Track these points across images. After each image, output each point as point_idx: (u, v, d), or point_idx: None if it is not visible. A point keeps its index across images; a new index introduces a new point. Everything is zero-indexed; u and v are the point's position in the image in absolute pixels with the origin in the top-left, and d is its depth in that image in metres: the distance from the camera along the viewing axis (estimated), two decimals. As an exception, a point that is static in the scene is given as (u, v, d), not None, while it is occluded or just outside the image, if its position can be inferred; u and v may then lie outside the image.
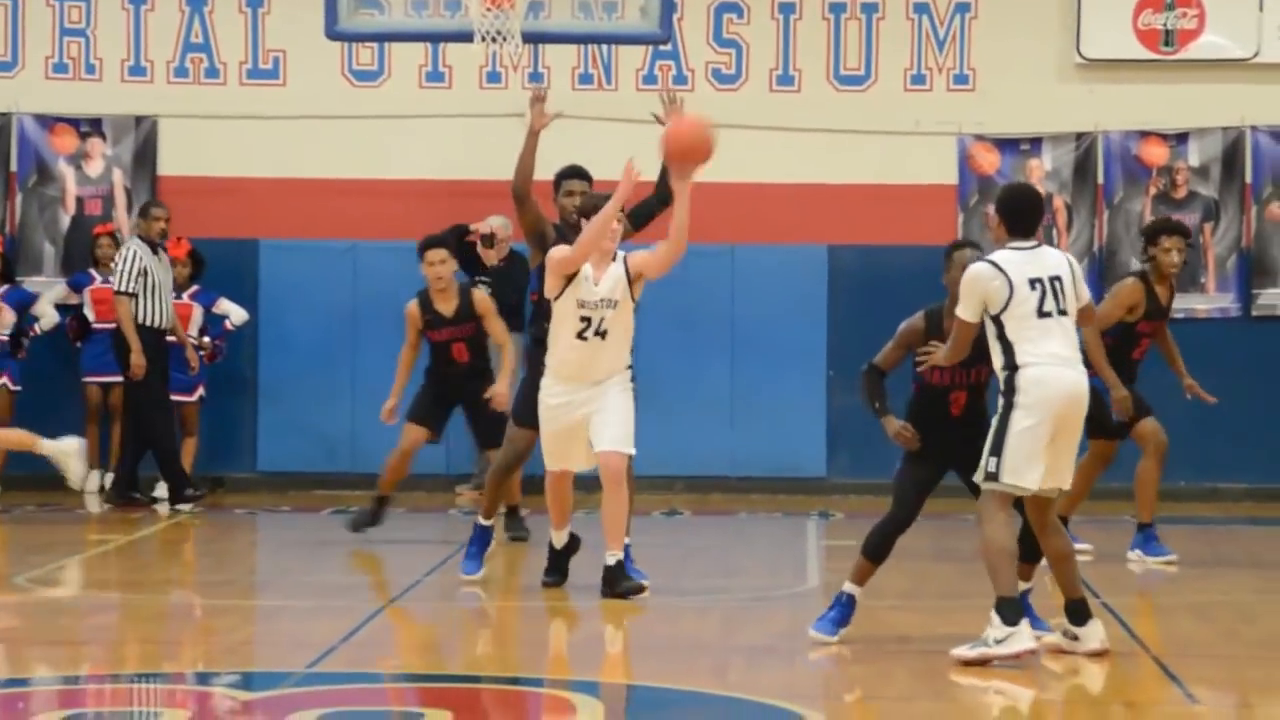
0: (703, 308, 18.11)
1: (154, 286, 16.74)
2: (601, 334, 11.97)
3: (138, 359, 16.52)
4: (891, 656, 10.56)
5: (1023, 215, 10.42)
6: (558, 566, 12.43)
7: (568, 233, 12.32)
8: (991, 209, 14.68)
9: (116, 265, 16.79)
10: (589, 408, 11.99)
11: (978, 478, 10.27)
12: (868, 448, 18.15)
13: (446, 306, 14.39)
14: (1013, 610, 10.11)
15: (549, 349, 12.09)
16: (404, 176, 18.31)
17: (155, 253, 16.84)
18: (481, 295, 14.63)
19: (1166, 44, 17.99)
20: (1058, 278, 10.22)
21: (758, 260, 18.25)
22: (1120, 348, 13.49)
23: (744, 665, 10.40)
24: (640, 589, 12.21)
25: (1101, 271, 18.00)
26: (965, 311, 10.29)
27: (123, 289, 16.65)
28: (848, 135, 18.26)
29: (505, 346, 14.41)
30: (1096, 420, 12.66)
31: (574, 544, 12.43)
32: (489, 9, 14.62)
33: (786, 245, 18.29)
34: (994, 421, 10.23)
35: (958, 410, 10.74)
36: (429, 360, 14.56)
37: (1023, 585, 10.52)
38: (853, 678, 10.29)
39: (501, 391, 14.10)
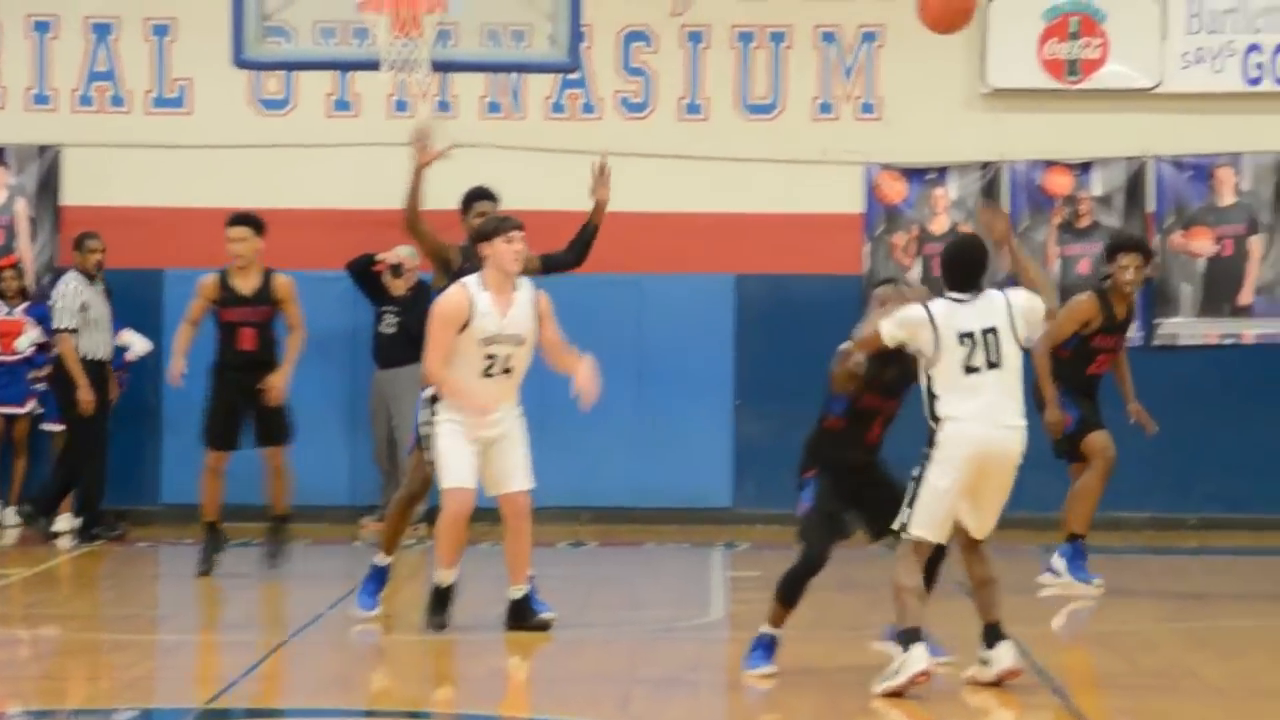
0: (610, 337, 17.97)
1: (94, 320, 16.64)
2: (507, 371, 11.89)
3: (86, 395, 16.43)
4: (795, 688, 10.53)
5: (960, 268, 10.37)
6: (443, 607, 12.04)
7: (472, 254, 12.22)
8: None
9: (55, 302, 16.64)
10: (488, 433, 11.89)
11: (896, 525, 10.31)
12: (774, 477, 18.16)
13: (245, 285, 14.38)
14: (911, 639, 10.15)
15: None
16: (311, 206, 18.24)
17: (92, 284, 16.72)
18: (285, 280, 14.55)
19: (1071, 74, 18.09)
20: (993, 329, 10.17)
21: (665, 290, 18.26)
22: (1076, 362, 13.68)
23: (648, 696, 10.36)
24: (546, 624, 12.14)
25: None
26: (887, 328, 10.26)
27: (65, 326, 16.53)
28: (755, 164, 18.30)
29: (296, 332, 14.42)
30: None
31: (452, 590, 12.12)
32: (397, 37, 14.59)
33: (694, 275, 18.31)
34: (915, 470, 10.24)
35: (874, 440, 10.73)
36: (216, 353, 14.52)
37: None
38: (756, 709, 10.28)
39: (276, 384, 14.11)
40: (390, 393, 17.33)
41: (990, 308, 10.24)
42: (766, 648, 10.76)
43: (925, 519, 10.19)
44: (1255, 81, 17.98)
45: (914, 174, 18.31)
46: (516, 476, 11.89)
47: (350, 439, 18.18)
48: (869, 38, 18.34)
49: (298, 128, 18.36)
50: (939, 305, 10.23)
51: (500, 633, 12.07)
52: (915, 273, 18.23)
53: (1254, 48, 17.96)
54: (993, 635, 10.41)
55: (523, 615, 12.05)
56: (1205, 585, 15.11)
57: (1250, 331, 18.01)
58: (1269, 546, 16.97)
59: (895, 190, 18.38)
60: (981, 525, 10.30)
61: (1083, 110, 18.13)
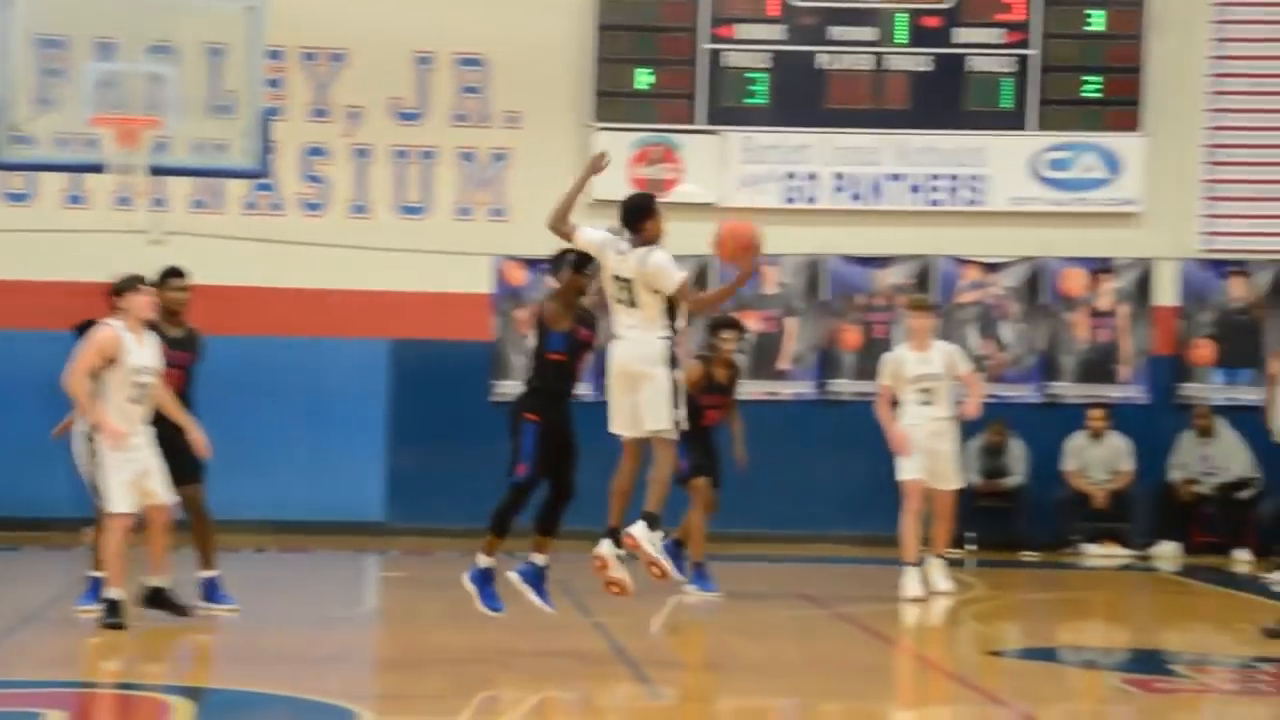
0: (290, 386, 17.96)
1: None
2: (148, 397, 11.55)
3: None
4: (429, 665, 10.55)
5: (623, 214, 10.53)
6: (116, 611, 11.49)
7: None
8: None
9: None
10: (142, 456, 11.56)
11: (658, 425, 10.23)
12: (419, 498, 18.21)
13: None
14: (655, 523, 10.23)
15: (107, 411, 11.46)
16: (51, 279, 17.80)
17: None
18: None
19: (655, 190, 18.36)
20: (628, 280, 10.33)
21: (336, 350, 18.16)
22: (690, 416, 13.65)
23: (311, 672, 10.30)
24: (185, 610, 11.84)
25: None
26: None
27: None
28: (408, 254, 18.29)
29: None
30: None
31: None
32: (120, 148, 14.36)
33: (359, 339, 18.23)
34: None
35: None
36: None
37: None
38: (396, 682, 10.23)
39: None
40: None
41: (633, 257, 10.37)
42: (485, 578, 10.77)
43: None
44: (791, 200, 18.41)
45: (533, 263, 18.46)
46: (166, 488, 11.57)
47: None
48: (499, 158, 18.47)
49: (40, 217, 17.96)
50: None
51: (195, 620, 11.91)
52: (530, 341, 18.33)
53: (790, 175, 18.40)
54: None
55: (162, 602, 11.70)
56: (750, 586, 15.38)
57: (787, 391, 18.38)
58: (797, 555, 17.30)
59: (518, 276, 18.52)
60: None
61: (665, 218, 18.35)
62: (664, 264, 10.32)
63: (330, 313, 18.12)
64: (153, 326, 11.98)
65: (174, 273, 12.76)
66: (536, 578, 10.89)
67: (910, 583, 13.67)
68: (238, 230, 18.15)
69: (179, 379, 12.17)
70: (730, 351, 13.97)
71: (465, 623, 12.28)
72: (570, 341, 10.92)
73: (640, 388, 10.26)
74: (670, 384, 10.25)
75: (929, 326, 13.99)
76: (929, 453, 13.78)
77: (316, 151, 18.33)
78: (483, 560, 10.91)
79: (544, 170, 18.30)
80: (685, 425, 10.36)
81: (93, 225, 17.92)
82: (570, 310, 10.99)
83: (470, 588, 10.83)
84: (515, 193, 18.37)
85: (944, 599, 13.66)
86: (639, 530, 10.16)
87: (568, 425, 10.92)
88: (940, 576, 13.90)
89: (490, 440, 18.11)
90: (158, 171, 15.39)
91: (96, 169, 14.79)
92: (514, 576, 10.87)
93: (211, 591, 12.28)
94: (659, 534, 10.29)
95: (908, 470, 13.81)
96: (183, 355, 12.27)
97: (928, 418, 13.79)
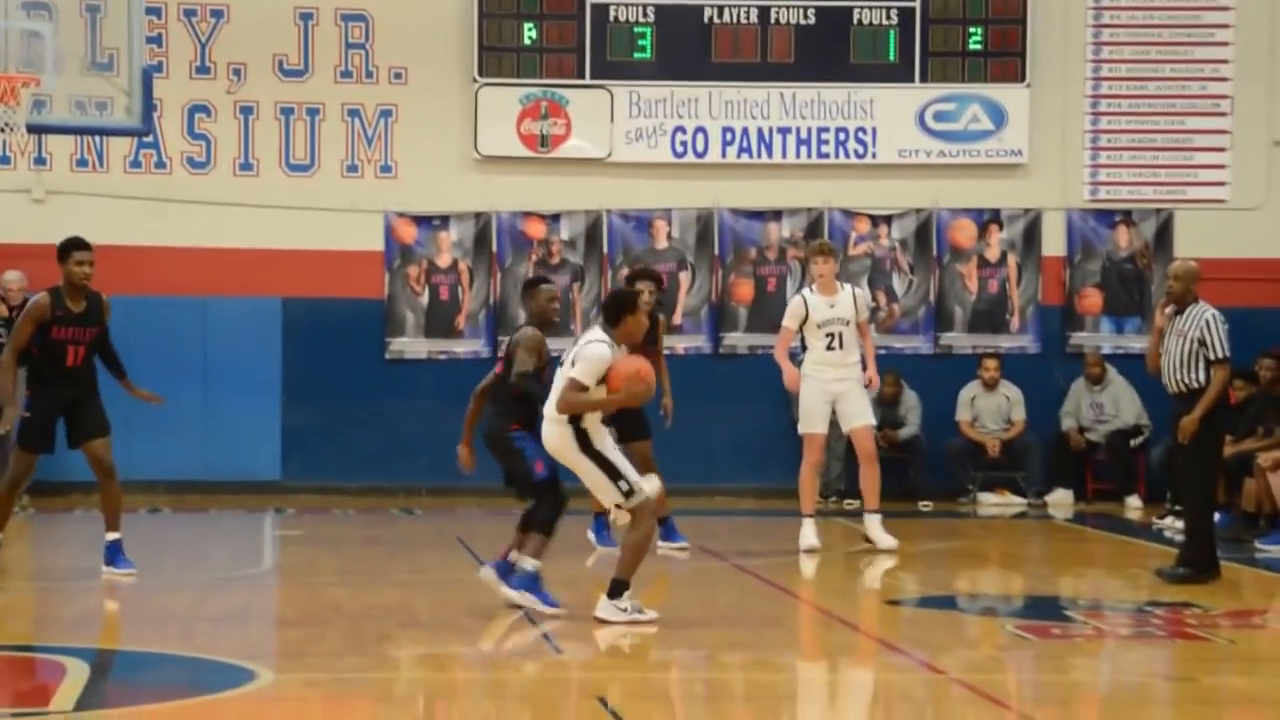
0: (180, 348, 17.73)
1: None
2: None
3: None
4: (326, 622, 10.47)
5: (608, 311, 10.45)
6: None
7: None
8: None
9: None
10: None
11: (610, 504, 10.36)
12: (315, 457, 18.08)
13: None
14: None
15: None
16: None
17: None
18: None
19: (543, 145, 18.29)
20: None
21: (225, 310, 17.96)
22: None
23: (208, 632, 10.21)
24: (127, 575, 11.90)
25: (494, 323, 18.26)
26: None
27: None
28: (297, 211, 18.12)
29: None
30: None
31: None
32: (-1, 105, 14.07)
33: (249, 297, 18.04)
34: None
35: None
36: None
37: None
38: (294, 640, 10.16)
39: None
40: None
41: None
42: (534, 581, 10.66)
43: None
44: (680, 154, 18.38)
45: (422, 220, 18.34)
46: None
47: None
48: (386, 114, 18.29)
49: (-81, 176, 17.68)
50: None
51: (90, 581, 11.78)
52: (424, 298, 18.27)
53: (679, 129, 18.37)
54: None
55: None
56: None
57: (681, 345, 18.34)
58: (696, 509, 17.29)
59: (408, 233, 18.38)
60: None
61: (552, 173, 18.33)
62: (591, 357, 10.18)
63: (220, 271, 17.89)
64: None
65: (78, 244, 12.24)
66: (508, 572, 10.85)
67: (808, 534, 13.69)
68: (121, 189, 17.89)
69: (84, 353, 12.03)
70: (648, 304, 13.88)
71: (362, 581, 12.22)
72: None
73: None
74: (595, 468, 10.20)
75: (833, 270, 13.91)
76: (837, 396, 13.72)
77: (200, 109, 18.08)
78: (529, 564, 10.74)
79: (431, 126, 18.19)
80: (644, 486, 10.25)
81: (-27, 185, 17.67)
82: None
83: (528, 598, 10.60)
84: (403, 149, 18.21)
85: (887, 555, 13.52)
86: (603, 607, 10.28)
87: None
88: (880, 532, 13.77)
89: (384, 397, 18.13)
90: (36, 129, 15.11)
91: (-25, 127, 14.47)
92: (487, 573, 10.90)
93: (113, 555, 12.11)
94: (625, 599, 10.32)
95: (806, 424, 13.81)
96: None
97: (833, 362, 13.74)
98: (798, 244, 18.49)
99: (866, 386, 13.92)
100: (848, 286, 14.04)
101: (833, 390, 13.74)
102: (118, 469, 12.14)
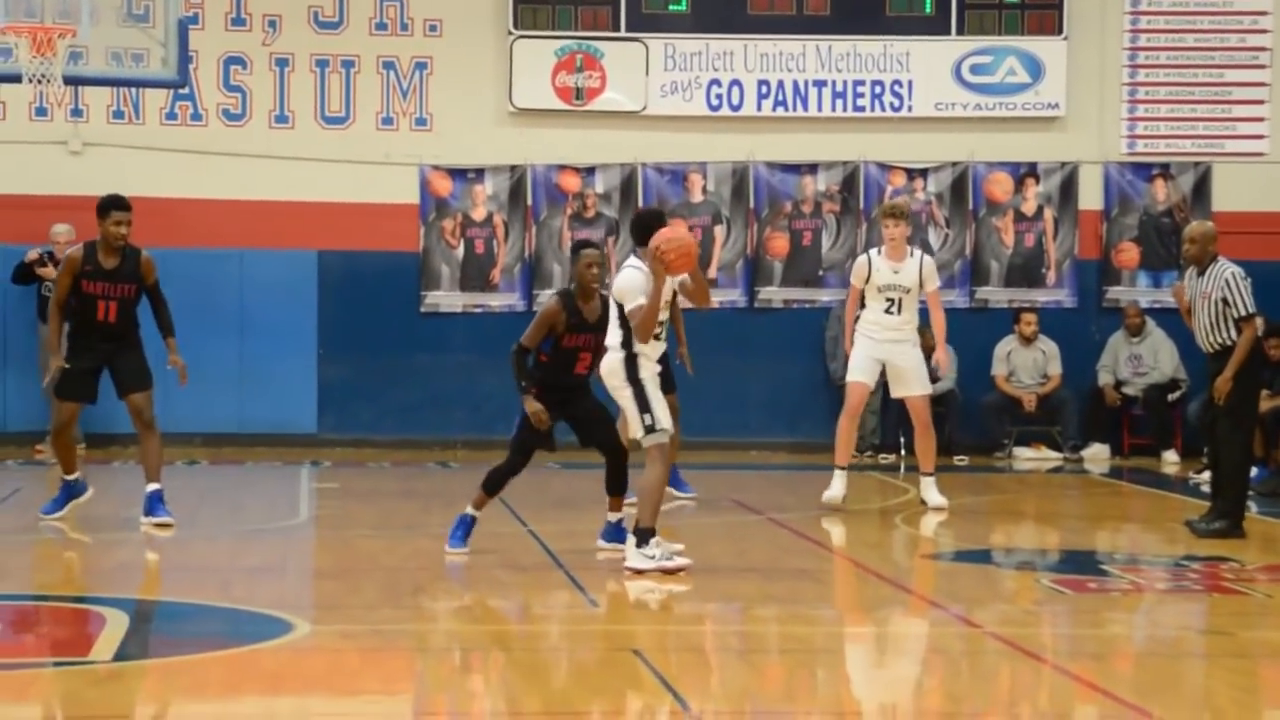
0: (216, 300, 17.78)
1: None
2: None
3: None
4: (362, 574, 10.52)
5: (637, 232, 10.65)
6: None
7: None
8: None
9: None
10: None
11: (636, 434, 10.49)
12: (350, 410, 18.14)
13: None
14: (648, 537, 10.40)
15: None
16: (-31, 191, 17.59)
17: None
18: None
19: (578, 98, 18.27)
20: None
21: (261, 262, 18.00)
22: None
23: (245, 583, 10.25)
24: (163, 525, 11.97)
25: (529, 276, 18.26)
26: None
27: None
28: (333, 164, 18.13)
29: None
30: None
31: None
32: (35, 56, 14.10)
33: (285, 250, 18.07)
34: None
35: (583, 369, 10.93)
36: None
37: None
38: (330, 591, 10.21)
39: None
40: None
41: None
42: (467, 526, 10.93)
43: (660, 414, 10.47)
44: (715, 108, 18.35)
45: (458, 173, 18.35)
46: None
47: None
48: (420, 66, 18.28)
49: (-47, 128, 17.74)
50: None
51: (130, 532, 11.85)
52: (460, 252, 18.28)
53: (714, 82, 18.32)
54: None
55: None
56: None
57: (716, 299, 18.29)
58: (730, 463, 17.33)
59: (443, 186, 18.39)
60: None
61: (587, 126, 18.30)
62: (624, 284, 10.50)
63: (255, 224, 17.92)
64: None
65: (117, 203, 12.22)
66: (619, 534, 11.08)
67: (835, 486, 13.53)
68: (157, 141, 17.92)
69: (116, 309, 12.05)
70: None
71: (398, 533, 12.27)
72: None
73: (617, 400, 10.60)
74: (632, 396, 10.42)
75: (904, 234, 13.65)
76: (888, 362, 13.59)
77: (236, 61, 18.09)
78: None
79: (466, 79, 18.17)
80: (666, 425, 10.46)
81: (9, 137, 17.68)
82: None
83: (623, 547, 10.73)
84: (437, 102, 18.20)
85: (926, 511, 13.46)
86: (632, 556, 10.46)
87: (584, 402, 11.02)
88: (934, 493, 13.62)
89: (419, 351, 18.16)
90: (73, 81, 15.14)
91: (12, 79, 14.50)
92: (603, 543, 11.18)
93: (153, 505, 12.17)
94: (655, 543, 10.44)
95: (851, 373, 13.68)
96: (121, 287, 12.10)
97: (890, 325, 13.56)
98: (833, 197, 18.44)
99: (934, 368, 13.83)
100: (918, 253, 13.61)
101: (884, 349, 13.53)
102: (159, 421, 12.22)
